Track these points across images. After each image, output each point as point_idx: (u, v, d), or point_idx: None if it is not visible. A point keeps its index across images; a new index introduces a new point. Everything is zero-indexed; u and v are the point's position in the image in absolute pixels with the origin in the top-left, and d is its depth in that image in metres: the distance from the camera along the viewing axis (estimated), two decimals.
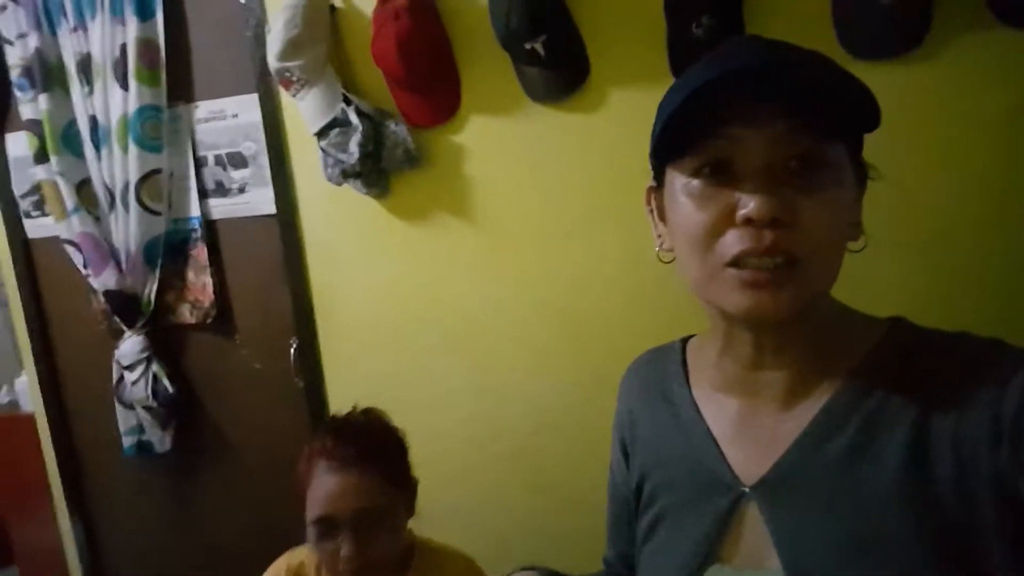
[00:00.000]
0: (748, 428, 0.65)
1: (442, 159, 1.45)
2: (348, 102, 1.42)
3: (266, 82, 1.55)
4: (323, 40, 1.42)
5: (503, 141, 1.39)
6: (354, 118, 1.41)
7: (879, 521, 0.55)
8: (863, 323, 0.64)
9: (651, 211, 0.67)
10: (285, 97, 1.54)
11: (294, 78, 1.43)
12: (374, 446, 1.08)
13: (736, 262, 0.55)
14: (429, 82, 1.39)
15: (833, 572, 0.56)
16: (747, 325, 0.61)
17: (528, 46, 1.26)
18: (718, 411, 0.68)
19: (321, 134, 1.45)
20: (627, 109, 1.29)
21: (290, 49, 1.38)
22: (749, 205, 0.54)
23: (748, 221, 0.54)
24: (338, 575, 1.01)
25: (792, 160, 0.55)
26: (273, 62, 1.42)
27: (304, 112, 1.47)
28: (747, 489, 0.62)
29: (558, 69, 1.30)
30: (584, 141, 1.34)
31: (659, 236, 0.66)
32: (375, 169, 1.45)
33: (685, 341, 0.77)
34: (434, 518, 1.52)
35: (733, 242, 0.55)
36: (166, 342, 1.81)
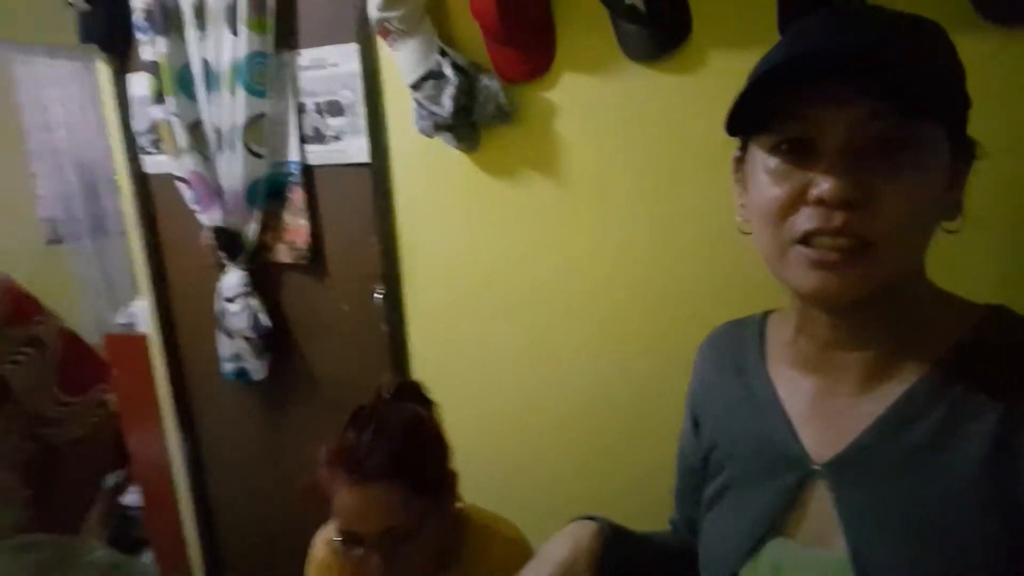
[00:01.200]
0: (823, 407, 0.64)
1: (533, 115, 1.44)
2: (444, 54, 1.44)
3: (366, 32, 1.58)
4: None
5: (595, 99, 1.37)
6: (448, 71, 1.42)
7: (952, 515, 0.54)
8: (957, 309, 0.62)
9: (737, 180, 0.67)
10: (383, 48, 1.57)
11: (393, 28, 1.45)
12: (403, 455, 0.96)
13: (805, 240, 0.55)
14: (525, 37, 1.38)
15: (898, 559, 0.56)
16: (817, 305, 0.61)
17: (628, 1, 1.23)
18: (793, 388, 0.67)
19: (416, 86, 1.48)
20: (727, 72, 1.23)
21: None
22: (822, 185, 0.53)
23: (820, 201, 0.53)
24: None
25: (873, 141, 0.53)
26: (374, 12, 1.45)
27: (400, 63, 1.49)
28: (817, 467, 0.62)
29: (658, 27, 1.26)
30: (679, 104, 1.30)
31: (742, 206, 0.66)
32: (467, 123, 1.47)
33: (766, 315, 0.76)
34: (484, 480, 1.56)
35: (804, 220, 0.55)
36: (264, 278, 1.93)
